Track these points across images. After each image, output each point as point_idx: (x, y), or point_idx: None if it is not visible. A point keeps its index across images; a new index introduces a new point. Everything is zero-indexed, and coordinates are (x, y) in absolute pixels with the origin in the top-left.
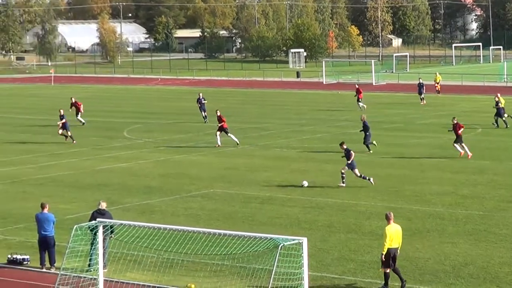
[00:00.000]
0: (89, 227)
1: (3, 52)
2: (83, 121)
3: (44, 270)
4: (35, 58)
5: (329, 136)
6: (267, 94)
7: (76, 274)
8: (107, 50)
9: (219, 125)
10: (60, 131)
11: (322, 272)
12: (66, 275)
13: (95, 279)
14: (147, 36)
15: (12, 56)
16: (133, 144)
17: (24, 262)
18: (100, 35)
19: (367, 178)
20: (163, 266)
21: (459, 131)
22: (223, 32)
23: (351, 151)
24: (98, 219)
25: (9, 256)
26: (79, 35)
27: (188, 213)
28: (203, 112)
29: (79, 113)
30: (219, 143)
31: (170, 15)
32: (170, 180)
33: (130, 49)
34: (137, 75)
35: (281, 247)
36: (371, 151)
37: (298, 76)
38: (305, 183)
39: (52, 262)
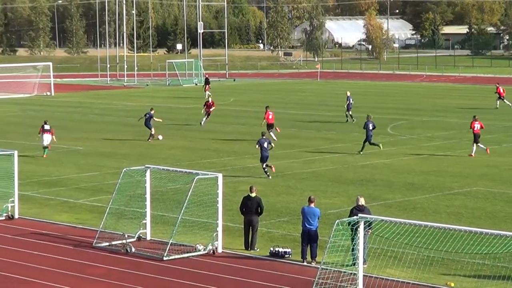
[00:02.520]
0: (349, 223)
1: (271, 47)
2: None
3: (305, 263)
4: (302, 54)
5: None
6: None
7: (336, 269)
8: (373, 46)
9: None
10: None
11: None
12: (326, 269)
13: (354, 274)
14: (413, 32)
15: (279, 51)
16: (396, 140)
17: (286, 255)
18: (366, 31)
19: None
20: (422, 263)
21: None
22: (490, 29)
23: None
24: (359, 215)
25: (272, 248)
26: (346, 31)
27: (449, 211)
28: None
29: (209, 114)
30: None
31: (437, 11)
32: (432, 177)
33: (396, 45)
34: (402, 72)
35: None
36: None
37: None
38: (160, 137)
39: (313, 256)
